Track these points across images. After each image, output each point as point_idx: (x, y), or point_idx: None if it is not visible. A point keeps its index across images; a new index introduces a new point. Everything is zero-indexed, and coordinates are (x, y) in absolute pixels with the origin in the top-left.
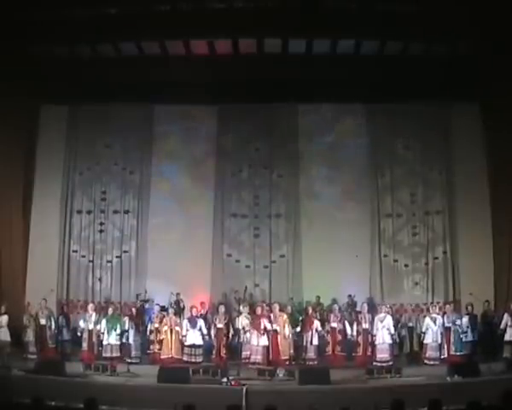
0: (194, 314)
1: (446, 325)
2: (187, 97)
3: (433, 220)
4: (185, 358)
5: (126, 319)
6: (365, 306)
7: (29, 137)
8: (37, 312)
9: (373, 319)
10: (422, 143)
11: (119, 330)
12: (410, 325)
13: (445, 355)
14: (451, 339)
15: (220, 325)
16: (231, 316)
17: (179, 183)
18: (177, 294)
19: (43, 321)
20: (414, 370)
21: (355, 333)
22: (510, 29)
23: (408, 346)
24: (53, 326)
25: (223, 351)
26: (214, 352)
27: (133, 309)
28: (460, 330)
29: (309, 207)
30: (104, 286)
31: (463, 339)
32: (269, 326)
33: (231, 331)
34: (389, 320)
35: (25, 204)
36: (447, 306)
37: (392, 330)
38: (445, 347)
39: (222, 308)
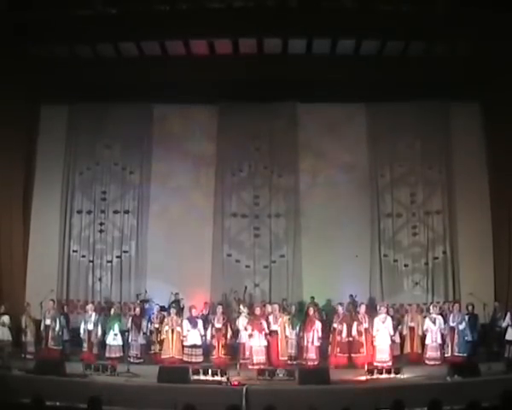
0: (194, 315)
1: (451, 324)
2: (187, 97)
3: (433, 220)
4: (185, 358)
5: (129, 318)
6: (363, 306)
7: (29, 137)
8: (44, 312)
9: (372, 319)
10: (422, 143)
11: (117, 330)
12: (412, 324)
13: (449, 354)
14: (455, 339)
15: (219, 325)
16: (230, 316)
17: (179, 183)
18: (176, 294)
19: (48, 322)
20: (414, 370)
21: (354, 333)
22: (509, 29)
23: (409, 346)
24: (57, 328)
25: (222, 351)
26: (214, 352)
27: (137, 309)
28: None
29: (309, 207)
30: (104, 286)
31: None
32: (267, 327)
33: (229, 332)
34: (389, 322)
35: (25, 204)
36: (456, 305)
37: (392, 332)
38: (450, 347)
39: (220, 308)
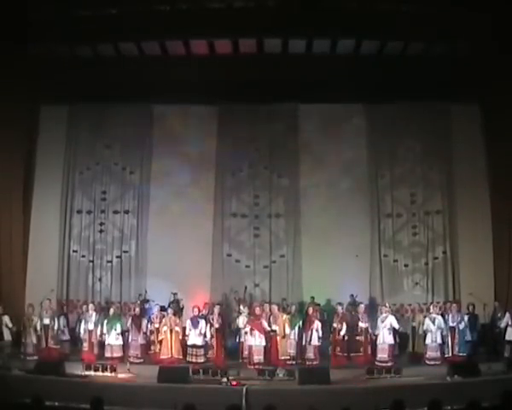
0: (196, 314)
1: (451, 324)
2: (187, 97)
3: (433, 220)
4: (189, 358)
5: (129, 318)
6: (362, 306)
7: (29, 137)
8: (41, 312)
9: (372, 319)
10: (422, 143)
11: (119, 330)
12: (414, 324)
13: (449, 354)
14: (455, 339)
15: (217, 325)
16: (229, 316)
17: (179, 183)
18: (175, 294)
19: (46, 321)
20: (414, 370)
21: (354, 333)
22: (510, 29)
23: (410, 346)
24: (56, 327)
25: (220, 351)
26: (212, 352)
27: (136, 309)
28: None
29: (309, 208)
30: (104, 286)
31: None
32: (267, 327)
33: (227, 331)
34: (391, 319)
35: (25, 204)
36: (454, 305)
37: (397, 326)
38: (450, 347)
39: (217, 308)
